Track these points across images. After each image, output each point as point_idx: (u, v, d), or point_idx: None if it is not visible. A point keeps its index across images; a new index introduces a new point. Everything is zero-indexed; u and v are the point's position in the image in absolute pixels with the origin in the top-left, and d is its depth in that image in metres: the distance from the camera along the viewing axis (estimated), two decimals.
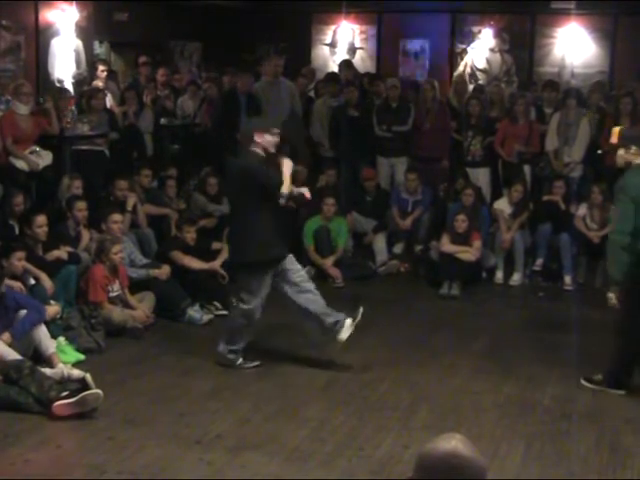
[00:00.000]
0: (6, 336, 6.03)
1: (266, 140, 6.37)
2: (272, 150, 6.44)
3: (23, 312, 6.20)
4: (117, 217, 7.99)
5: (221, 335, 6.63)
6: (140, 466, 4.88)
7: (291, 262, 6.53)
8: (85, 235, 7.97)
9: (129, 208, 8.60)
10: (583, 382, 6.28)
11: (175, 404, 5.82)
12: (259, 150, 6.38)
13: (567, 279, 9.13)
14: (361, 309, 6.58)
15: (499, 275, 9.39)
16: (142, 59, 11.78)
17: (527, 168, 10.23)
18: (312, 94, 11.94)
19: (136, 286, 7.74)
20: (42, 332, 6.25)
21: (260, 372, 6.50)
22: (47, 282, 6.94)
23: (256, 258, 6.34)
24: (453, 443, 2.43)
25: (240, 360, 6.52)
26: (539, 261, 9.40)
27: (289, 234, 6.73)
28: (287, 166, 6.41)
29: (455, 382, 6.36)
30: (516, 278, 9.33)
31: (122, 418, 5.53)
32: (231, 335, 6.55)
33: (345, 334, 6.43)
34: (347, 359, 6.75)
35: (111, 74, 11.54)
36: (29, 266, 6.88)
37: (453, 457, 2.40)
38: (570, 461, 5.07)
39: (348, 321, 6.45)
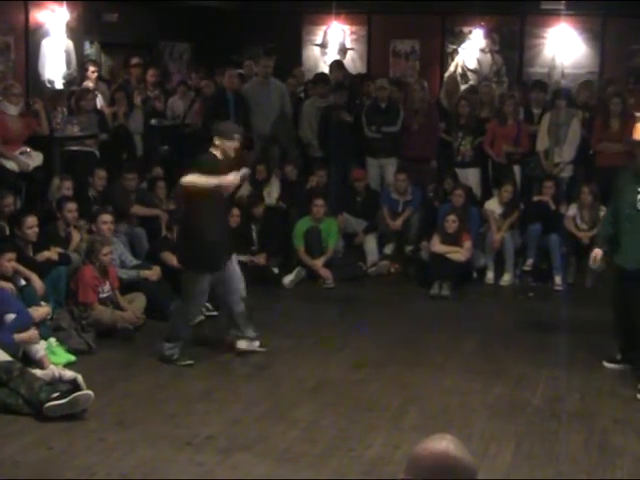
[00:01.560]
0: None
1: (225, 145, 6.51)
2: (231, 154, 6.57)
3: (11, 316, 6.17)
4: (107, 218, 7.96)
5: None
6: (131, 467, 4.88)
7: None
8: (75, 236, 7.96)
9: None
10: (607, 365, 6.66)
11: (166, 405, 5.82)
12: (217, 152, 6.52)
13: (557, 279, 9.16)
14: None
15: (489, 275, 9.41)
16: (134, 60, 11.75)
17: (517, 168, 10.25)
18: (302, 95, 11.93)
19: (127, 287, 7.74)
20: None
21: (250, 373, 6.51)
22: (37, 283, 6.91)
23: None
24: (444, 444, 2.43)
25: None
26: (529, 261, 9.42)
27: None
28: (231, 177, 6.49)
29: (445, 382, 6.38)
30: (506, 278, 9.35)
31: (113, 419, 5.53)
32: None
33: (245, 346, 6.86)
34: (337, 359, 6.77)
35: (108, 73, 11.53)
36: (19, 267, 6.85)
37: (444, 458, 2.40)
38: (559, 461, 5.09)
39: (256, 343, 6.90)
